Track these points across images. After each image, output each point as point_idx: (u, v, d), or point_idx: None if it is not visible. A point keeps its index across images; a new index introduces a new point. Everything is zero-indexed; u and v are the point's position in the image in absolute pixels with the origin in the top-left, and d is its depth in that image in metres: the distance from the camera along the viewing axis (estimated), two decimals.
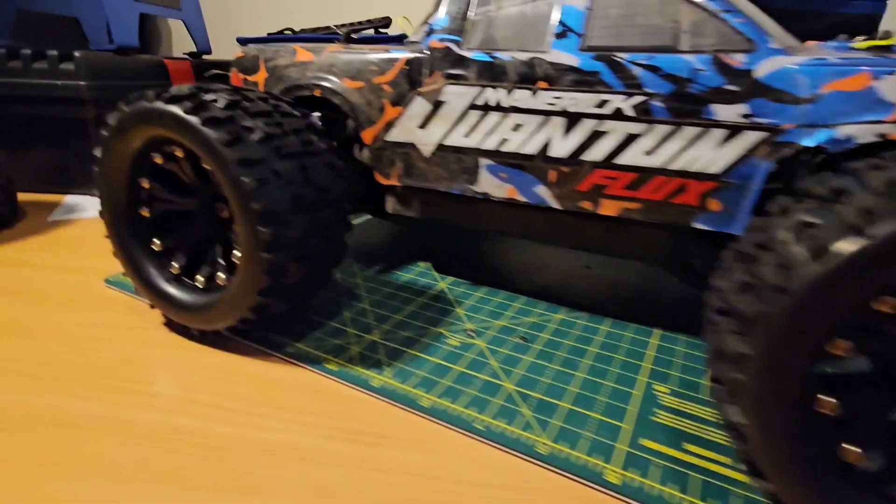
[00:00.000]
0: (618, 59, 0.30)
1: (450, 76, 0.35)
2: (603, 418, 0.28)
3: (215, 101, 0.29)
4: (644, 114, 0.30)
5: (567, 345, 0.35)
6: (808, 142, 0.27)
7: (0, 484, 0.22)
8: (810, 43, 0.32)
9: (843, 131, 0.26)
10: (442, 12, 0.35)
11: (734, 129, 0.28)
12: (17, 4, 0.71)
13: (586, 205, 0.33)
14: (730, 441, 0.21)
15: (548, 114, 0.32)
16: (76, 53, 0.59)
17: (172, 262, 0.34)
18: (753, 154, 0.28)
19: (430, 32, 0.36)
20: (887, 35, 0.32)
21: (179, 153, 0.31)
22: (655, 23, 0.30)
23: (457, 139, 0.35)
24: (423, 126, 0.36)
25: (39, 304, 0.38)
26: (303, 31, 0.87)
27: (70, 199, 0.65)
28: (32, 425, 0.26)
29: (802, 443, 0.19)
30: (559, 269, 0.47)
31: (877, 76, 0.25)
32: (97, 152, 0.32)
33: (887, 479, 0.19)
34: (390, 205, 0.42)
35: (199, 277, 0.33)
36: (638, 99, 0.30)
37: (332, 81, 0.38)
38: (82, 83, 0.60)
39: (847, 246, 0.16)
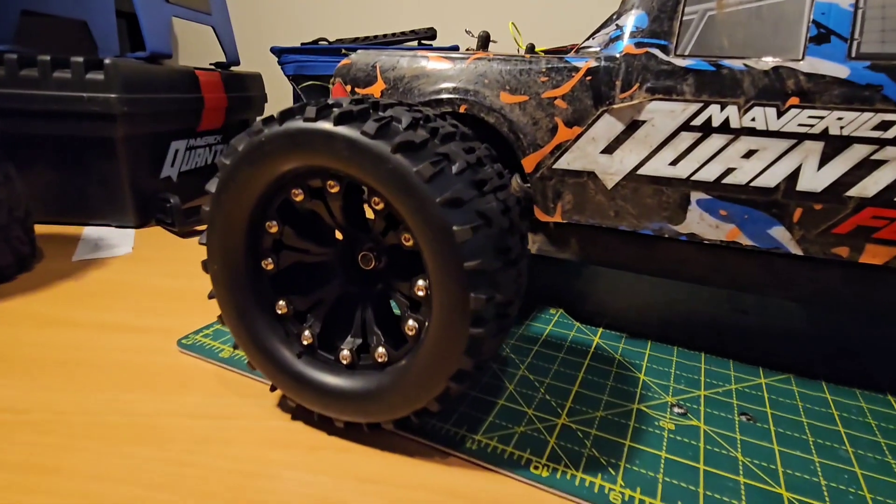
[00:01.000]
0: None
1: (654, 89, 0.28)
2: None
3: (399, 119, 0.22)
4: None
5: (804, 422, 0.27)
6: None
7: None
8: None
9: None
10: (637, 10, 0.28)
11: None
12: (21, 5, 0.61)
13: (841, 251, 0.26)
14: None
15: (800, 137, 0.25)
16: (106, 60, 0.50)
17: (304, 331, 0.25)
18: None
19: (617, 37, 0.29)
20: None
21: (334, 188, 0.23)
22: None
23: (658, 167, 0.28)
24: (608, 151, 0.29)
25: (108, 386, 0.28)
26: (339, 40, 0.79)
27: (90, 231, 0.55)
28: None
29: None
30: (706, 312, 0.40)
31: None
32: (211, 186, 0.24)
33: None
34: (536, 244, 0.34)
35: (345, 352, 0.25)
36: None
37: (484, 95, 0.31)
38: (113, 96, 0.50)
39: None
